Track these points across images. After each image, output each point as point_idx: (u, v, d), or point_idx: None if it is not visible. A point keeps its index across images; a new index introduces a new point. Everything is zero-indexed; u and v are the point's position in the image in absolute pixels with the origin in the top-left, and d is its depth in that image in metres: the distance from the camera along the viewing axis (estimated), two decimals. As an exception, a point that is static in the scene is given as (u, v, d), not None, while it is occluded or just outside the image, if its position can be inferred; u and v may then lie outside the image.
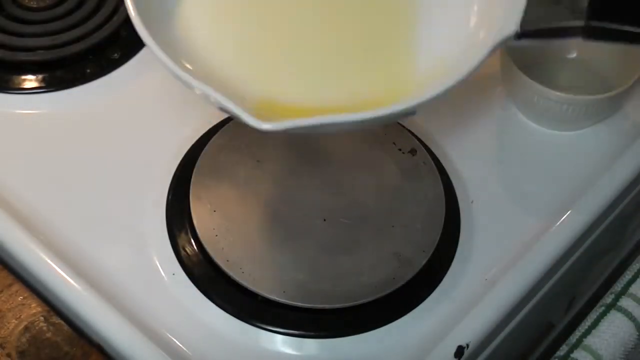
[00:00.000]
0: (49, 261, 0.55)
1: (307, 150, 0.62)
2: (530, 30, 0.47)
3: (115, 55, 0.69)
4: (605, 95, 0.62)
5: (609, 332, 0.55)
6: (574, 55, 0.68)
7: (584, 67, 0.68)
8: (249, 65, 0.50)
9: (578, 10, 0.47)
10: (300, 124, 0.42)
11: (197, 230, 0.57)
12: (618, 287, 0.58)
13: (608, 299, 0.57)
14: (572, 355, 0.54)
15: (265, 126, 0.40)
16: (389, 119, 0.45)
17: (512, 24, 0.46)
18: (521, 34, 0.46)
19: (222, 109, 0.44)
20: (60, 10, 0.70)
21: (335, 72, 0.50)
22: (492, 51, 0.45)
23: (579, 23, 0.47)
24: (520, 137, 0.65)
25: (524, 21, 0.46)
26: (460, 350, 0.53)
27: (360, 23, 0.52)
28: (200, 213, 0.58)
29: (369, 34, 0.52)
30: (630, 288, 0.57)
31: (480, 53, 0.45)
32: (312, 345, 0.54)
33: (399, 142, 0.63)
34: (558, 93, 0.62)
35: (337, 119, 0.43)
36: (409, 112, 0.44)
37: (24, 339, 0.52)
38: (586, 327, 0.56)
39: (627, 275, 0.58)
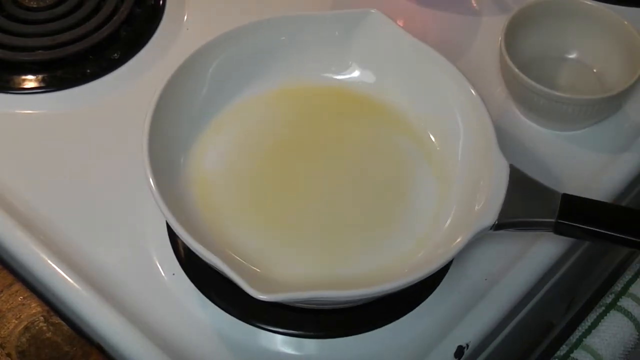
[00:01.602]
0: (49, 261, 0.55)
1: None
2: (506, 222, 0.51)
3: (115, 55, 0.68)
4: (605, 95, 0.61)
5: (609, 332, 0.55)
6: (574, 55, 0.68)
7: (584, 67, 0.68)
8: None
9: (551, 208, 0.51)
10: (294, 297, 0.47)
11: (197, 230, 0.57)
12: (618, 287, 0.58)
13: (608, 299, 0.57)
14: (572, 355, 0.54)
15: (262, 296, 0.46)
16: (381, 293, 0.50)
17: (490, 217, 0.51)
18: (497, 226, 0.51)
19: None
20: (60, 10, 0.70)
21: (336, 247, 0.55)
22: (470, 240, 0.50)
23: (551, 220, 0.51)
24: (520, 137, 0.65)
25: (501, 214, 0.51)
26: (460, 350, 0.53)
27: (360, 204, 0.57)
28: (200, 213, 0.57)
29: (367, 212, 0.57)
30: (630, 288, 0.57)
31: (459, 243, 0.50)
32: (312, 345, 0.54)
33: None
34: (558, 93, 0.62)
35: (329, 294, 0.48)
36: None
37: (24, 339, 0.52)
38: (586, 327, 0.56)
39: (627, 275, 0.58)
